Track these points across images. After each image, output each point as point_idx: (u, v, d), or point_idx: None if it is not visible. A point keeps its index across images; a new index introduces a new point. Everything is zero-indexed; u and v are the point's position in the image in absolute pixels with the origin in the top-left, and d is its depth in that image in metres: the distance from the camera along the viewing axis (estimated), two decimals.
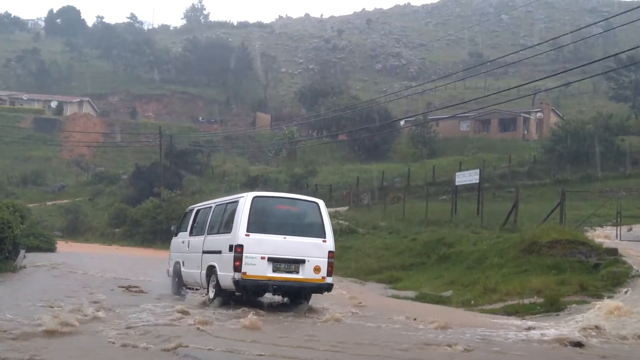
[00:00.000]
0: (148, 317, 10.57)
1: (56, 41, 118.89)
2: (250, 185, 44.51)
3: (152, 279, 18.07)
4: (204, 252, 13.30)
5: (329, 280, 12.36)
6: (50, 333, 8.58)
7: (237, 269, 11.67)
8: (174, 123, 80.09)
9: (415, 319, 12.29)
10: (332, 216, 34.33)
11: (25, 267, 19.39)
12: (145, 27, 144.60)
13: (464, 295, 17.03)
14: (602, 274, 15.81)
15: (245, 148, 70.48)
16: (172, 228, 16.56)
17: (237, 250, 11.72)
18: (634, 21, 20.75)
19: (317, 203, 12.91)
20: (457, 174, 31.46)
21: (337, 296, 17.16)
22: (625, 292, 14.48)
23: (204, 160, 60.70)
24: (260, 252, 11.81)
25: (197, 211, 14.94)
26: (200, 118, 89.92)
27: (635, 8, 19.62)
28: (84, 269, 20.58)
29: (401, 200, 36.74)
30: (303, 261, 12.08)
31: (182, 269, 14.57)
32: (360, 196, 43.20)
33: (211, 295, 12.67)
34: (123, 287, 15.76)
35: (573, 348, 9.64)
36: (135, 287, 15.76)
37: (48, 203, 53.53)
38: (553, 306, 13.94)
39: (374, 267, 23.96)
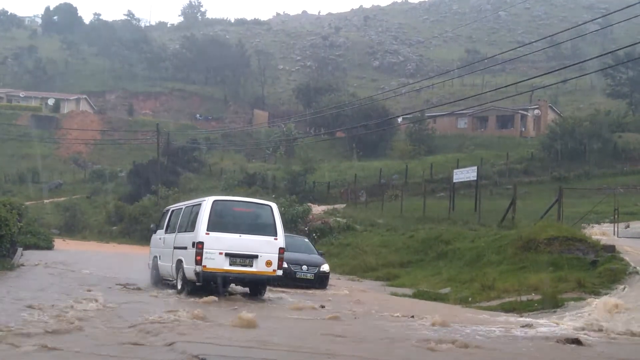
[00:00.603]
0: (145, 315, 10.54)
1: (53, 38, 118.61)
2: (247, 183, 44.45)
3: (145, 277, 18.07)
4: (174, 247, 14.97)
5: (279, 272, 13.99)
6: (49, 332, 8.56)
7: (198, 262, 13.36)
8: (171, 120, 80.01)
9: (413, 316, 12.31)
10: (330, 214, 34.66)
11: (23, 265, 19.35)
12: (143, 25, 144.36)
13: (461, 292, 17.05)
14: (599, 270, 15.83)
15: (242, 145, 70.36)
16: (152, 226, 18.78)
17: (199, 246, 13.40)
18: (631, 18, 20.78)
19: (270, 206, 14.65)
20: (454, 171, 31.48)
21: (336, 294, 17.18)
22: (623, 289, 14.50)
23: (202, 158, 60.62)
24: (219, 248, 13.48)
25: (172, 211, 16.69)
26: (198, 115, 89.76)
27: (633, 5, 19.59)
28: (82, 267, 20.53)
29: (399, 197, 36.74)
30: (256, 256, 13.69)
31: (159, 263, 16.25)
32: (358, 193, 43.21)
33: (179, 286, 14.37)
34: (120, 284, 15.75)
35: (571, 345, 9.65)
36: (133, 284, 15.75)
37: (45, 201, 53.37)
38: (551, 303, 13.96)
39: (371, 264, 23.99)
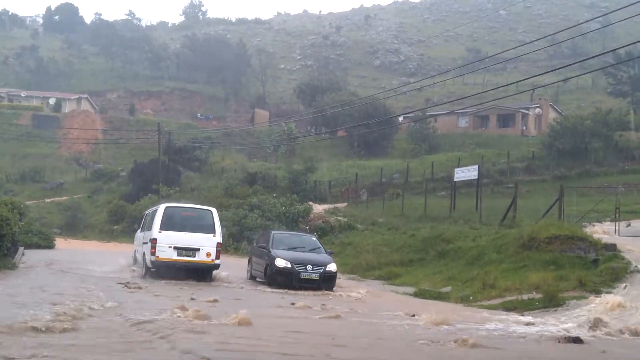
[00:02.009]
0: (146, 314, 10.56)
1: (54, 38, 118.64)
2: (249, 182, 44.40)
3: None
4: (143, 243, 18.92)
5: (217, 262, 17.71)
6: (50, 331, 8.56)
7: (152, 254, 17.29)
8: (172, 120, 79.95)
9: (414, 315, 12.31)
10: (331, 213, 34.74)
11: (24, 264, 19.38)
12: (144, 24, 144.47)
13: (463, 291, 17.05)
14: (600, 269, 15.82)
15: (243, 144, 70.35)
16: (135, 226, 23.36)
17: (153, 241, 17.32)
18: (632, 16, 20.75)
19: (210, 211, 18.68)
20: (455, 170, 31.47)
21: (337, 292, 17.16)
22: (624, 288, 14.50)
23: (203, 157, 60.55)
24: (169, 243, 17.34)
25: (146, 215, 20.95)
26: (199, 114, 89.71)
27: (634, 3, 19.50)
28: (83, 266, 20.57)
29: (400, 196, 36.73)
30: (198, 249, 17.53)
31: (136, 255, 20.46)
32: (359, 192, 43.20)
33: (143, 271, 18.28)
34: (121, 283, 15.78)
35: (572, 344, 9.65)
36: (134, 283, 15.79)
37: (46, 200, 53.40)
38: (552, 302, 13.96)
39: (372, 263, 23.94)
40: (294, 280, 17.31)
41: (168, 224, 17.65)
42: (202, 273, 17.91)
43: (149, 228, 18.29)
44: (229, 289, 16.80)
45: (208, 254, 17.51)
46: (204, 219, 18.24)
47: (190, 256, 17.46)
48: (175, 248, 17.35)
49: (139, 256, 19.73)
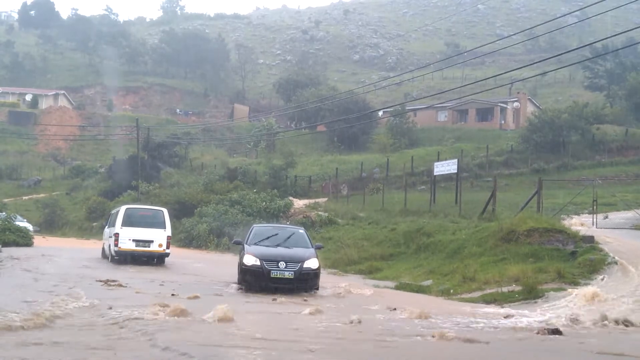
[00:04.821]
0: (127, 312, 10.49)
1: (30, 33, 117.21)
2: (229, 178, 44.23)
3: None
4: (109, 236, 22.61)
5: (167, 251, 21.90)
6: (32, 329, 8.49)
7: (116, 245, 21.33)
8: (151, 115, 79.45)
9: (395, 309, 12.34)
10: (312, 208, 34.75)
11: (1, 262, 19.18)
12: (121, 19, 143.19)
13: (443, 284, 17.13)
14: (579, 261, 15.98)
15: (223, 140, 70.08)
16: (104, 223, 26.80)
17: (116, 235, 21.36)
18: (608, 10, 20.94)
19: (162, 210, 23.16)
20: (435, 164, 31.60)
21: (320, 288, 17.10)
22: (602, 279, 14.67)
23: (182, 153, 60.25)
24: (128, 236, 21.38)
25: (112, 213, 24.67)
26: (178, 110, 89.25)
27: None
28: (62, 263, 20.45)
29: (380, 190, 36.81)
30: (152, 241, 21.65)
31: (105, 247, 23.98)
32: (340, 187, 43.19)
33: (110, 259, 22.30)
34: (101, 281, 15.65)
35: (551, 335, 9.73)
36: (113, 280, 15.66)
37: (24, 197, 52.88)
38: (531, 294, 14.07)
39: (353, 257, 23.95)
40: (264, 280, 14.91)
41: (128, 221, 21.64)
42: (155, 259, 22.05)
43: (113, 225, 22.12)
44: (211, 285, 16.72)
45: (160, 245, 21.62)
46: (157, 217, 22.41)
47: (145, 246, 21.57)
48: (133, 240, 21.40)
49: (106, 248, 23.25)
